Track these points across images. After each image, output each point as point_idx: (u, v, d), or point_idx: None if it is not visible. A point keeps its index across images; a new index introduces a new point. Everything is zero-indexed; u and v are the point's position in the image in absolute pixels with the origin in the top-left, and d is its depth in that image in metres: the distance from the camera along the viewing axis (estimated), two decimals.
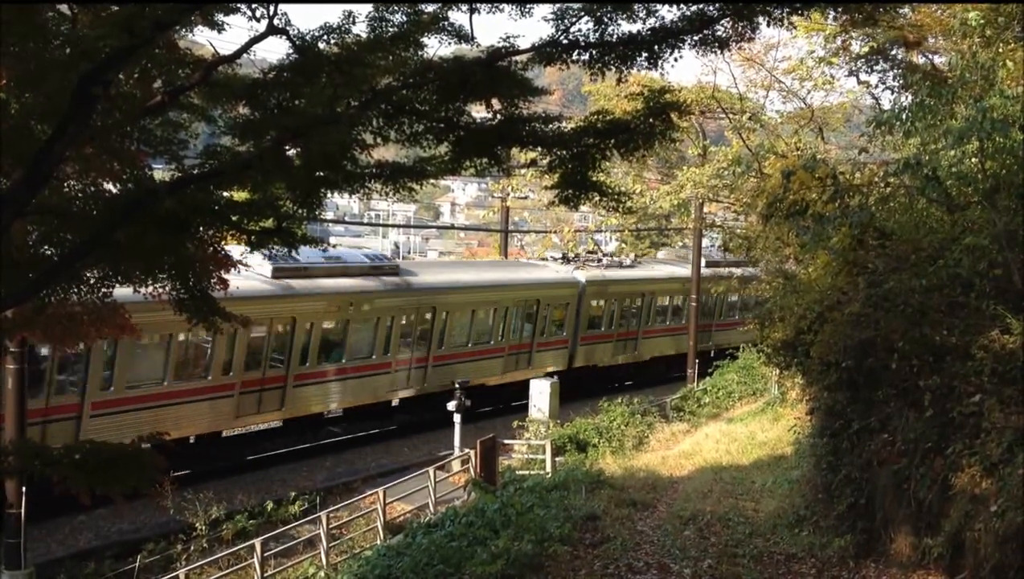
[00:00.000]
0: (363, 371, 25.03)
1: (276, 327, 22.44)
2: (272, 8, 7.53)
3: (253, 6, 7.49)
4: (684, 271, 35.84)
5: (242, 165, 8.00)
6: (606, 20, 7.77)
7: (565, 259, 34.06)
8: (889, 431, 10.49)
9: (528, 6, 8.11)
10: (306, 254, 22.84)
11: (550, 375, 29.14)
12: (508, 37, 8.01)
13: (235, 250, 9.99)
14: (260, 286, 21.45)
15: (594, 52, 7.91)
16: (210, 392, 21.20)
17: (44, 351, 17.79)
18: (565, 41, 7.91)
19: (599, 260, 35.14)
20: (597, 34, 7.84)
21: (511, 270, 32.69)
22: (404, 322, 26.09)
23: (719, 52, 8.87)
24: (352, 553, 16.60)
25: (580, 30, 7.87)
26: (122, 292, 9.13)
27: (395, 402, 27.00)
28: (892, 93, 20.19)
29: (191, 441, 21.31)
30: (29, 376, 16.43)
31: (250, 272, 20.07)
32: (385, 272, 25.90)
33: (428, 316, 26.77)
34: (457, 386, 23.15)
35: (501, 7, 7.97)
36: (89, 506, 14.60)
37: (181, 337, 20.37)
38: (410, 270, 27.60)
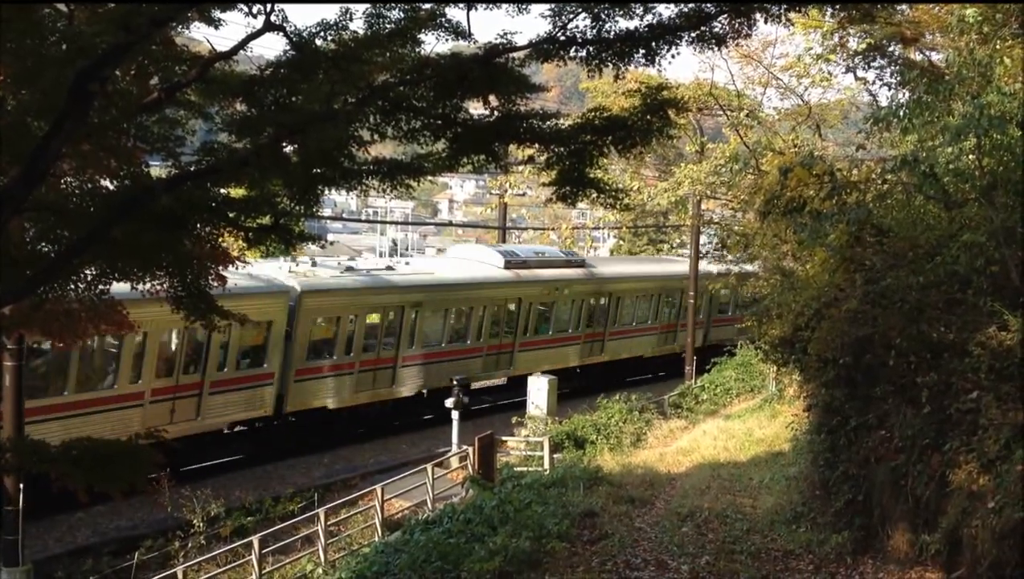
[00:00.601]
0: (562, 342, 31.56)
1: (507, 306, 29.25)
2: (269, 5, 7.51)
3: (250, 3, 7.47)
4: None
5: (239, 162, 7.98)
6: (603, 17, 7.74)
7: None
8: (887, 428, 10.50)
9: (525, 3, 8.09)
10: (523, 250, 32.87)
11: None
12: (505, 34, 7.98)
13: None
14: (498, 274, 28.97)
15: (591, 49, 7.89)
16: (467, 353, 28.03)
17: (376, 320, 25.21)
18: (562, 38, 7.88)
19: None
20: (594, 31, 7.82)
21: (661, 264, 39.13)
22: (591, 304, 32.41)
23: (716, 49, 8.84)
24: (350, 550, 16.60)
25: (577, 27, 7.84)
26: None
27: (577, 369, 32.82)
28: (889, 90, 20.19)
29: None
30: (366, 337, 24.79)
31: (487, 264, 29.32)
32: (574, 264, 32.53)
33: (605, 301, 33.00)
34: (455, 383, 23.24)
35: (499, 4, 7.94)
36: (87, 503, 14.66)
37: (453, 311, 27.69)
38: (591, 263, 33.98)
